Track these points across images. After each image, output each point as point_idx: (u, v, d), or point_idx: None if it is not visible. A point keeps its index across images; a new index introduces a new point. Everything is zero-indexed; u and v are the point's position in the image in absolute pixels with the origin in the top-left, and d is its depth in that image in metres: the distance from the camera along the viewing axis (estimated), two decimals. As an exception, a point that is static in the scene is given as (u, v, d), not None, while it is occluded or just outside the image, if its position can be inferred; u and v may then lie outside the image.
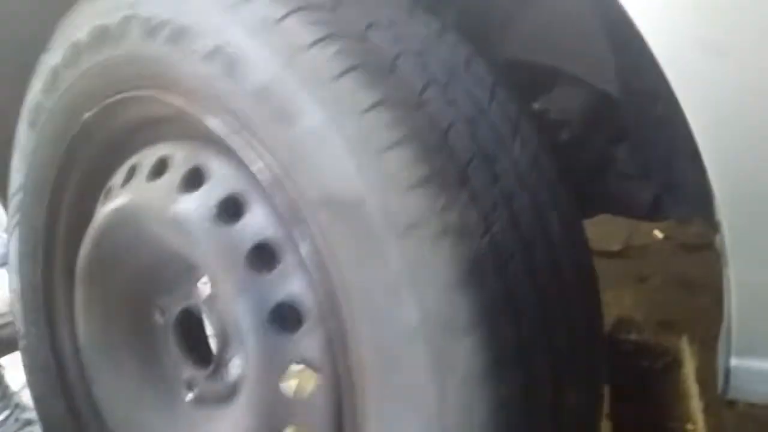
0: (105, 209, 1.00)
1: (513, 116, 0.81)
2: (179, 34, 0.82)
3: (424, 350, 0.68)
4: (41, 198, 1.14)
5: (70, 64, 1.00)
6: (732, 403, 1.17)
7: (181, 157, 0.93)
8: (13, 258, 1.21)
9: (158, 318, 1.05)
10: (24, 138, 1.13)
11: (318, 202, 0.73)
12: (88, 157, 1.08)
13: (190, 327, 1.04)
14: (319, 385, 0.83)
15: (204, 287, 0.98)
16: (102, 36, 0.92)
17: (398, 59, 0.75)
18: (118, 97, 0.96)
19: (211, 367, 0.99)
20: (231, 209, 0.87)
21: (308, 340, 0.84)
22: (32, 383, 1.27)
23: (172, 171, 0.94)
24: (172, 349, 1.05)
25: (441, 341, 0.68)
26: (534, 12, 1.04)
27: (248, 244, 0.85)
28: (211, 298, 0.95)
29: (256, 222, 0.85)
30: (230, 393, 0.98)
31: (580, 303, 0.80)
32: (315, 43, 0.73)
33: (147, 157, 0.98)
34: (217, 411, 1.01)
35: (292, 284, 0.84)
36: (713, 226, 0.92)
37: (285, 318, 0.84)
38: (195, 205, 0.89)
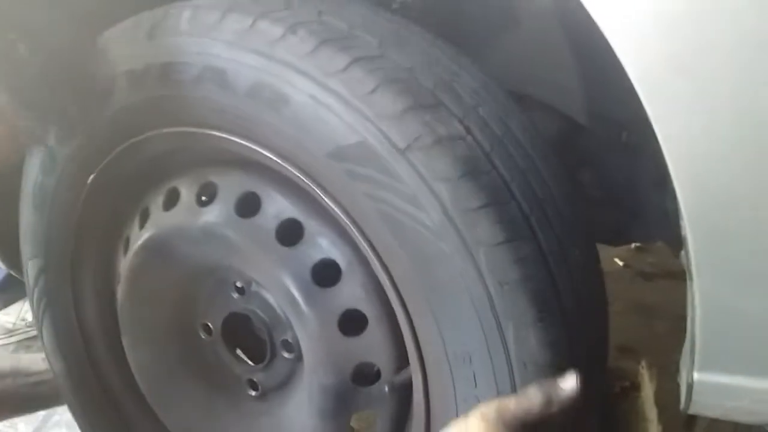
0: (132, 250, 1.11)
1: (459, 57, 0.97)
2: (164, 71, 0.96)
3: (453, 237, 0.83)
4: (64, 274, 1.23)
5: (65, 141, 1.12)
6: (691, 426, 1.27)
7: (190, 181, 1.07)
8: (52, 344, 1.29)
9: (204, 334, 1.16)
10: (32, 223, 1.22)
11: (329, 157, 0.87)
12: (98, 219, 1.19)
13: (234, 333, 1.16)
14: (371, 316, 0.96)
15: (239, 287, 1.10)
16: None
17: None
18: (117, 150, 1.08)
19: (267, 356, 1.11)
20: (251, 206, 1.01)
21: (351, 287, 0.98)
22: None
23: (185, 195, 1.07)
24: (226, 358, 1.17)
25: (464, 225, 0.83)
26: (503, 38, 1.13)
27: (273, 225, 0.99)
28: (251, 289, 1.08)
29: (277, 206, 0.99)
30: (291, 371, 1.11)
31: (559, 185, 0.96)
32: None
33: (158, 194, 1.11)
34: (285, 393, 1.12)
35: (322, 244, 0.98)
36: (675, 249, 0.98)
37: (326, 276, 0.98)
38: (216, 213, 1.03)
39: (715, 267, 0.77)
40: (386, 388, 0.98)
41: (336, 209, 0.92)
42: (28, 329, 2.12)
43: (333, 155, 0.87)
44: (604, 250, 1.04)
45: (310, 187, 0.93)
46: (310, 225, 0.98)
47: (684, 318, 0.84)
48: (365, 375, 1.00)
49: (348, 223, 0.92)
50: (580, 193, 0.99)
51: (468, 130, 0.86)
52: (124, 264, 1.16)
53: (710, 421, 1.24)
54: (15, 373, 1.33)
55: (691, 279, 0.78)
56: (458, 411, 0.90)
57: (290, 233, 0.99)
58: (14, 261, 1.31)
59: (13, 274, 1.38)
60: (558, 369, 0.85)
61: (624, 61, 0.71)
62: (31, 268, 1.26)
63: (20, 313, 2.14)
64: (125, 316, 1.18)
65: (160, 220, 1.09)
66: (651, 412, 1.18)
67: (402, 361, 0.98)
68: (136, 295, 1.16)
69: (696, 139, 0.72)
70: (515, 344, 0.84)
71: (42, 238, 1.22)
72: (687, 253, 0.77)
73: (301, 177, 0.93)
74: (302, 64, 0.87)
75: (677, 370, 0.89)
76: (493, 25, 1.14)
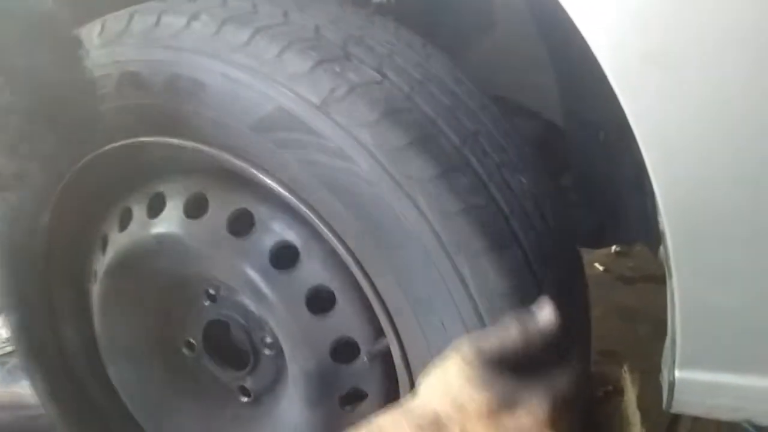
0: (99, 285, 1.11)
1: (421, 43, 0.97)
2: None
3: (387, 180, 0.81)
4: (33, 274, 1.19)
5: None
6: (674, 430, 1.26)
7: (140, 196, 1.06)
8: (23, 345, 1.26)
9: (187, 350, 1.14)
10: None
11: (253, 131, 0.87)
12: (74, 214, 1.14)
13: (216, 343, 1.13)
14: (337, 289, 0.94)
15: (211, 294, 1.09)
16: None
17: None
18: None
19: (251, 359, 1.08)
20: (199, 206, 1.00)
21: (311, 265, 0.96)
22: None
23: (137, 212, 1.06)
24: (213, 369, 1.14)
25: (393, 165, 0.81)
26: (478, 40, 1.14)
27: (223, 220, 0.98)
28: (221, 294, 1.06)
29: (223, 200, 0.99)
30: (277, 369, 1.08)
31: (493, 118, 0.94)
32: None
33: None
34: (276, 392, 1.10)
35: (275, 228, 0.97)
36: (654, 250, 0.98)
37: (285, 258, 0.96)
38: (167, 221, 1.02)
39: (693, 263, 0.77)
40: (366, 359, 0.95)
41: (275, 185, 0.91)
42: (3, 345, 2.07)
43: (256, 128, 0.86)
44: (584, 255, 1.05)
45: (247, 169, 0.92)
46: (260, 211, 0.97)
47: (666, 321, 0.83)
48: (345, 352, 0.97)
49: (291, 197, 0.90)
50: (513, 125, 0.97)
51: (383, 75, 0.85)
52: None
53: (693, 423, 1.28)
54: (13, 406, 1.30)
55: (670, 276, 0.78)
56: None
57: (242, 224, 0.98)
58: None
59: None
60: (523, 296, 0.83)
61: (600, 57, 0.71)
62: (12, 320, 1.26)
63: None
64: (107, 348, 1.17)
65: (116, 242, 1.08)
66: (634, 416, 1.15)
67: (378, 330, 0.95)
68: (112, 323, 1.15)
69: (673, 134, 0.71)
70: (472, 278, 0.82)
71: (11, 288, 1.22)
72: (666, 249, 0.77)
73: (236, 161, 0.92)
74: (208, 47, 0.87)
75: (660, 372, 0.88)
76: (469, 27, 1.15)
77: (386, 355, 0.96)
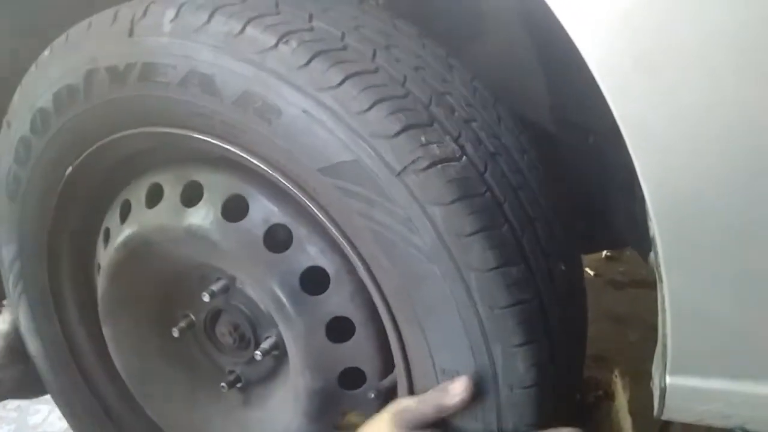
0: (114, 245, 1.09)
1: (449, 60, 0.96)
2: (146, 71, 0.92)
3: (445, 260, 0.83)
4: (40, 260, 1.21)
5: (39, 132, 1.08)
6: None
7: (174, 179, 1.04)
8: (28, 323, 1.28)
9: (187, 326, 1.15)
10: (6, 210, 1.19)
11: (321, 172, 0.86)
12: (76, 208, 1.16)
13: (218, 324, 1.15)
14: (358, 323, 0.97)
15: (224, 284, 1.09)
16: (69, 97, 1.01)
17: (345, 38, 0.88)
18: (98, 144, 1.04)
19: (250, 351, 1.11)
20: (238, 209, 0.99)
21: (339, 295, 0.97)
22: (78, 428, 1.35)
23: (169, 193, 1.04)
24: (209, 350, 1.17)
25: (456, 249, 0.83)
26: (468, 46, 1.10)
27: (261, 231, 0.98)
28: (236, 285, 1.07)
29: (265, 211, 0.98)
30: (274, 367, 1.11)
31: (548, 200, 0.96)
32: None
33: (139, 189, 1.08)
34: (268, 388, 1.13)
35: (311, 252, 0.97)
36: (644, 254, 0.96)
37: (314, 283, 0.98)
38: (202, 215, 1.01)
39: (683, 268, 0.77)
40: (372, 394, 0.99)
41: (326, 222, 0.91)
42: None
43: (325, 171, 0.86)
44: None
45: (300, 197, 0.91)
46: (299, 232, 0.97)
47: (657, 326, 0.84)
48: (351, 379, 1.01)
49: (338, 235, 0.91)
50: (564, 201, 0.99)
51: (462, 149, 0.85)
52: (104, 256, 1.14)
53: (684, 429, 1.26)
54: None
55: (660, 281, 0.78)
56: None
57: (278, 239, 0.98)
58: None
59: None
60: (541, 389, 0.88)
61: (590, 62, 0.70)
62: (5, 252, 1.23)
63: None
64: (106, 308, 1.17)
65: (142, 217, 1.06)
66: (625, 421, 1.20)
67: (388, 367, 0.99)
68: (118, 288, 1.14)
69: (662, 139, 0.71)
70: (502, 366, 0.86)
71: (16, 225, 1.19)
72: (656, 254, 0.77)
73: (291, 187, 0.91)
74: (293, 77, 0.84)
75: (650, 377, 0.89)
76: (458, 34, 1.11)
77: (391, 393, 1.00)
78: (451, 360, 0.88)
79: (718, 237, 0.75)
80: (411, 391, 0.95)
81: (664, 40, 0.68)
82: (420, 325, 0.88)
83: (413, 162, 0.82)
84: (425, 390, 0.92)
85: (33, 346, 1.30)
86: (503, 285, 0.84)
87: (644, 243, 0.95)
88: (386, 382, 1.00)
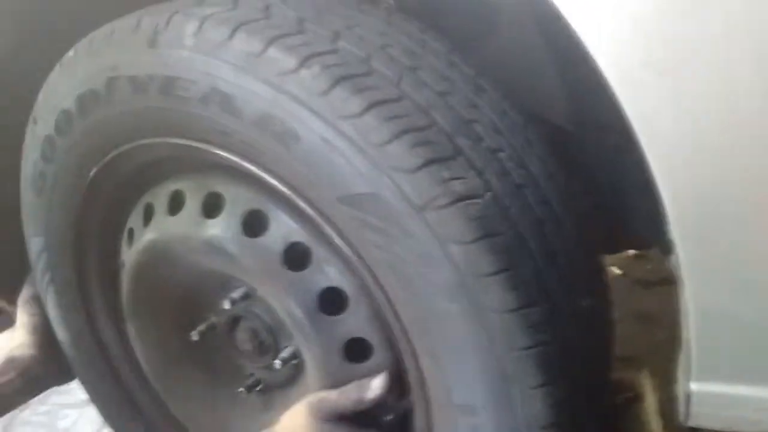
0: (137, 248, 1.09)
1: (480, 84, 0.91)
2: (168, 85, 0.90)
3: (464, 299, 0.81)
4: (66, 254, 1.22)
5: (64, 132, 1.07)
6: None
7: (195, 188, 1.03)
8: (56, 314, 1.29)
9: (210, 329, 1.16)
10: (33, 206, 1.20)
11: (340, 201, 0.83)
12: (101, 207, 1.16)
13: (239, 328, 1.15)
14: (376, 345, 0.95)
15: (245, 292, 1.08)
16: (91, 100, 1.00)
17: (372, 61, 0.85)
18: (121, 149, 1.03)
19: (270, 358, 1.10)
20: (258, 224, 0.97)
21: (357, 317, 0.96)
22: (108, 417, 1.38)
23: (190, 202, 1.03)
24: (230, 352, 1.17)
25: (476, 289, 0.80)
26: (481, 47, 1.07)
27: (280, 248, 0.96)
28: (257, 294, 1.06)
29: (284, 228, 0.96)
30: (294, 374, 1.11)
31: (574, 230, 0.92)
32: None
33: (161, 195, 1.07)
34: (288, 393, 1.13)
35: (329, 273, 0.95)
36: (668, 254, 0.94)
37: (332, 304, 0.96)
38: (222, 228, 0.99)
39: (705, 271, 0.75)
40: (387, 417, 0.98)
41: (344, 248, 0.89)
42: None
43: (344, 201, 0.83)
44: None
45: (320, 223, 0.89)
46: (319, 252, 0.95)
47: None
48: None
49: (356, 262, 0.89)
50: (589, 226, 0.95)
51: (487, 184, 0.82)
52: (129, 255, 1.14)
53: None
54: None
55: (682, 284, 0.76)
56: (459, 452, 0.91)
57: (297, 257, 0.96)
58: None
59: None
60: (560, 428, 0.86)
61: (601, 65, 0.69)
62: (33, 245, 1.24)
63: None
64: (129, 306, 1.18)
65: (163, 224, 1.06)
66: (654, 422, 1.18)
67: (404, 389, 0.98)
68: (141, 287, 1.15)
69: (677, 141, 0.70)
70: (521, 406, 0.84)
71: (43, 219, 1.19)
72: (676, 257, 0.75)
73: (310, 210, 0.89)
74: (314, 103, 0.81)
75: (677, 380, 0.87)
76: (471, 34, 1.07)
77: (406, 415, 0.99)
78: (468, 396, 0.87)
79: (740, 239, 0.73)
80: (428, 422, 0.94)
81: (676, 42, 0.67)
82: (437, 357, 0.87)
83: (434, 198, 0.79)
84: (442, 421, 0.91)
85: (60, 334, 1.32)
86: (523, 326, 0.81)
87: (667, 243, 0.93)
88: (401, 404, 0.99)
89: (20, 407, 1.71)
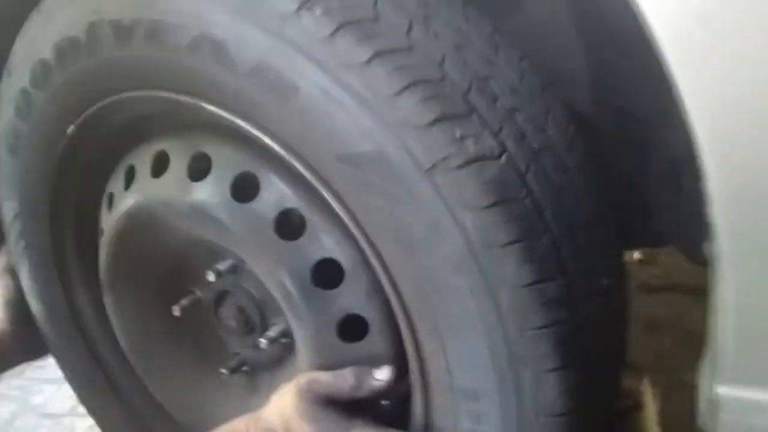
0: (117, 213, 1.01)
1: (496, 41, 0.84)
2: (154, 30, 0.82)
3: (474, 272, 0.73)
4: (42, 219, 1.14)
5: (40, 85, 0.99)
6: None
7: (181, 148, 0.95)
8: (29, 284, 1.21)
9: (193, 305, 1.08)
10: (6, 167, 1.11)
11: (340, 160, 0.76)
12: (79, 168, 1.08)
13: (225, 305, 1.07)
14: (373, 323, 0.88)
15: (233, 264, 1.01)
16: (71, 48, 0.91)
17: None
18: (102, 104, 0.95)
19: (257, 337, 1.03)
20: (248, 189, 0.90)
21: (353, 292, 0.88)
22: (82, 397, 1.30)
23: (175, 164, 0.95)
24: (214, 331, 1.09)
25: (488, 261, 0.73)
26: (505, 26, 1.00)
27: (272, 215, 0.88)
28: (245, 267, 0.98)
29: (277, 193, 0.88)
30: (282, 354, 1.03)
31: (593, 204, 0.85)
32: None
33: (144, 156, 0.99)
34: (275, 375, 1.06)
35: (325, 242, 0.88)
36: (687, 251, 0.90)
37: (327, 276, 0.88)
38: (209, 192, 0.91)
39: (749, 261, 0.66)
40: (382, 402, 0.91)
41: (342, 213, 0.81)
42: None
43: (344, 160, 0.76)
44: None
45: (315, 184, 0.82)
46: (314, 219, 0.87)
47: (692, 333, 0.77)
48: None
49: (356, 229, 0.81)
50: (611, 199, 0.88)
51: (503, 146, 0.74)
52: (107, 221, 1.06)
53: None
54: None
55: (718, 276, 0.68)
56: (460, 440, 0.84)
57: (291, 225, 0.88)
58: None
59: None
60: (570, 416, 0.78)
61: (651, 21, 0.61)
62: (6, 210, 1.16)
63: None
64: (107, 277, 1.09)
65: (146, 187, 0.98)
66: None
67: (403, 371, 0.90)
68: (121, 256, 1.07)
69: (731, 107, 0.62)
70: (531, 391, 0.77)
71: (17, 181, 1.11)
72: (716, 245, 0.66)
73: (306, 172, 0.81)
74: (315, 51, 0.73)
75: (688, 386, 0.79)
76: (492, 10, 0.99)
77: (404, 398, 0.92)
78: (471, 380, 0.79)
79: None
80: (426, 407, 0.87)
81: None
82: (440, 336, 0.79)
83: (445, 158, 0.71)
84: (442, 407, 0.84)
85: (34, 307, 1.23)
86: (538, 303, 0.74)
87: (689, 239, 0.86)
88: (399, 384, 0.92)
89: (-9, 380, 1.64)
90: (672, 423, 1.10)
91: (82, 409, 1.44)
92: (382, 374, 0.87)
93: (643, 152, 1.00)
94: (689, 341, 0.76)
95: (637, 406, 1.24)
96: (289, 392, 0.88)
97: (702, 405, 0.77)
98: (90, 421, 1.39)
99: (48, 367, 1.82)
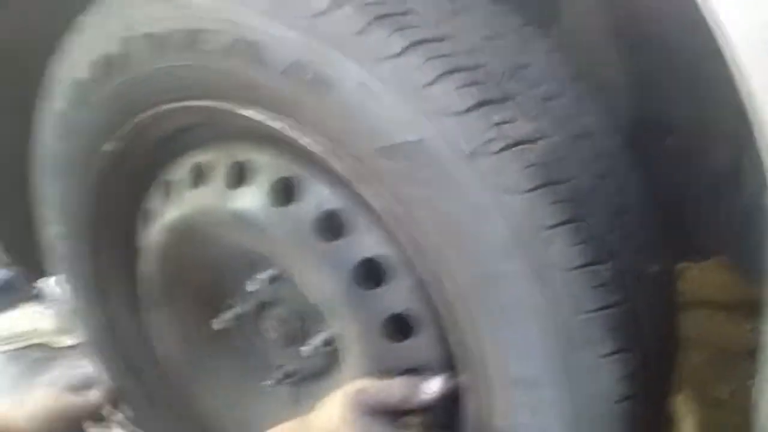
0: (157, 228, 1.02)
1: (526, 33, 0.83)
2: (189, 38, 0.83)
3: (522, 257, 0.72)
4: (82, 241, 1.15)
5: (78, 105, 1.00)
6: None
7: (218, 159, 0.95)
8: (74, 308, 1.22)
9: (235, 317, 1.07)
10: (48, 188, 1.13)
11: (379, 154, 0.75)
12: (116, 187, 1.09)
13: (267, 316, 1.07)
14: (418, 321, 0.87)
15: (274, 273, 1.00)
16: (107, 65, 0.93)
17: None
18: (139, 118, 0.96)
19: (300, 347, 1.02)
20: (286, 193, 0.90)
21: (397, 290, 0.87)
22: (133, 417, 1.30)
23: (213, 174, 0.96)
24: (257, 342, 1.09)
25: (535, 245, 0.72)
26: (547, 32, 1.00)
27: (311, 217, 0.88)
28: (285, 276, 0.98)
29: (315, 195, 0.88)
30: (327, 363, 1.02)
31: (637, 190, 0.83)
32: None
33: (181, 170, 1.00)
34: (320, 384, 1.05)
35: (366, 242, 0.87)
36: (733, 260, 0.88)
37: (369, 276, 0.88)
38: (248, 199, 0.92)
39: None
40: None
41: (384, 210, 0.81)
42: (21, 339, 1.99)
43: (383, 152, 0.75)
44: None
45: (355, 181, 0.81)
46: (354, 219, 0.87)
47: (723, 350, 0.78)
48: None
49: (397, 226, 0.80)
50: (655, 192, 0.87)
51: (541, 131, 0.74)
52: (146, 239, 1.06)
53: None
54: None
55: None
56: (517, 433, 0.82)
57: (331, 226, 0.88)
58: (18, 254, 1.29)
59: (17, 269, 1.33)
60: (632, 402, 0.76)
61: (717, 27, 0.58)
62: (49, 232, 1.17)
63: (13, 322, 1.99)
64: (147, 293, 1.10)
65: (184, 200, 0.98)
66: None
67: (452, 368, 0.89)
68: (159, 272, 1.07)
69: None
70: (588, 378, 0.75)
71: (58, 204, 1.13)
72: None
73: (345, 170, 0.81)
74: (348, 45, 0.73)
75: (720, 404, 0.78)
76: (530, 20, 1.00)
77: (456, 395, 0.90)
78: (526, 369, 0.77)
79: None
80: (482, 401, 0.85)
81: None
82: (492, 327, 0.78)
83: (486, 143, 0.71)
84: (496, 399, 0.82)
85: (81, 330, 1.24)
86: (589, 286, 0.72)
87: (737, 249, 0.84)
88: (452, 386, 0.90)
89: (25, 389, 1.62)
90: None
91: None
92: (433, 386, 0.85)
93: (681, 167, 0.98)
94: (718, 357, 0.74)
95: (672, 422, 1.19)
96: (337, 402, 0.86)
97: (755, 423, 0.72)
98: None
99: (78, 375, 1.84)
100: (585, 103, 0.83)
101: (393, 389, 0.85)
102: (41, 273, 1.35)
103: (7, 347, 2.01)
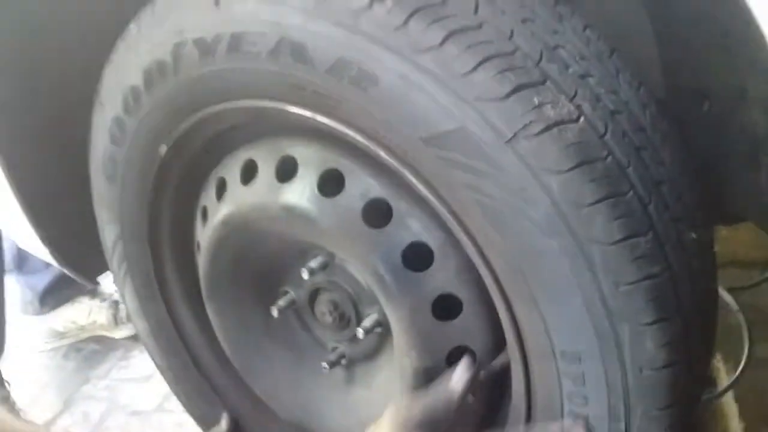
0: (213, 224, 1.07)
1: (560, 11, 0.86)
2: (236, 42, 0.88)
3: (564, 233, 0.75)
4: (141, 240, 1.21)
5: (132, 111, 1.05)
6: None
7: (268, 155, 1.00)
8: (133, 305, 1.28)
9: (290, 304, 1.12)
10: (106, 191, 1.19)
11: (423, 143, 0.79)
12: (172, 186, 1.14)
13: (320, 301, 1.11)
14: (466, 301, 0.91)
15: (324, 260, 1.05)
16: (159, 71, 0.98)
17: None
18: (190, 121, 1.01)
19: (353, 330, 1.07)
20: (334, 184, 0.94)
21: (444, 272, 0.91)
22: (189, 407, 1.36)
23: (263, 170, 1.00)
24: (312, 327, 1.14)
25: (577, 221, 0.75)
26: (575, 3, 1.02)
27: (359, 205, 0.92)
28: (336, 262, 1.03)
29: (362, 185, 0.92)
30: (379, 344, 1.07)
31: (674, 160, 0.86)
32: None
33: (234, 166, 1.05)
34: (372, 365, 1.10)
35: (412, 227, 0.91)
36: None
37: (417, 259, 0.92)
38: (298, 191, 0.96)
39: None
40: (482, 374, 0.93)
41: (429, 195, 0.85)
42: (79, 332, 2.10)
43: (427, 141, 0.79)
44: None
45: (400, 170, 0.85)
46: (400, 206, 0.91)
47: (757, 308, 0.73)
48: (460, 358, 0.95)
49: (442, 209, 0.84)
50: (691, 161, 0.89)
51: (579, 109, 0.77)
52: (203, 234, 1.12)
53: None
54: None
55: None
56: (563, 406, 0.86)
57: (378, 214, 0.92)
58: (68, 258, 1.32)
59: (67, 273, 1.37)
60: (673, 368, 0.79)
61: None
62: (108, 233, 1.23)
63: (70, 316, 2.09)
64: (208, 286, 1.16)
65: (237, 195, 1.03)
66: (730, 407, 1.10)
67: (500, 345, 0.93)
68: (219, 265, 1.13)
69: None
70: (630, 347, 0.78)
71: (117, 206, 1.18)
72: None
73: (390, 159, 0.85)
74: (390, 39, 0.77)
75: (759, 361, 0.80)
76: None
77: (503, 373, 0.94)
78: (571, 341, 0.81)
79: None
80: (527, 376, 0.88)
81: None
82: (536, 303, 0.81)
83: (525, 126, 0.74)
84: (543, 373, 0.86)
85: (140, 326, 1.30)
86: (630, 258, 0.75)
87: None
88: (499, 360, 0.94)
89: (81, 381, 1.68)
90: (744, 396, 1.07)
91: (168, 405, 1.46)
92: (458, 374, 0.89)
93: (717, 132, 0.99)
94: (753, 315, 0.75)
95: (710, 382, 1.21)
96: (387, 423, 0.89)
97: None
98: (177, 418, 1.41)
99: (132, 366, 1.92)
100: (620, 78, 0.85)
101: (434, 400, 0.89)
102: (95, 271, 1.41)
103: (62, 342, 2.11)
